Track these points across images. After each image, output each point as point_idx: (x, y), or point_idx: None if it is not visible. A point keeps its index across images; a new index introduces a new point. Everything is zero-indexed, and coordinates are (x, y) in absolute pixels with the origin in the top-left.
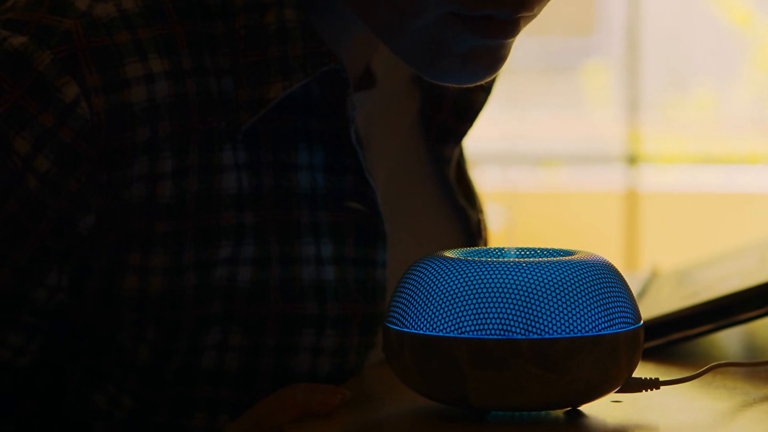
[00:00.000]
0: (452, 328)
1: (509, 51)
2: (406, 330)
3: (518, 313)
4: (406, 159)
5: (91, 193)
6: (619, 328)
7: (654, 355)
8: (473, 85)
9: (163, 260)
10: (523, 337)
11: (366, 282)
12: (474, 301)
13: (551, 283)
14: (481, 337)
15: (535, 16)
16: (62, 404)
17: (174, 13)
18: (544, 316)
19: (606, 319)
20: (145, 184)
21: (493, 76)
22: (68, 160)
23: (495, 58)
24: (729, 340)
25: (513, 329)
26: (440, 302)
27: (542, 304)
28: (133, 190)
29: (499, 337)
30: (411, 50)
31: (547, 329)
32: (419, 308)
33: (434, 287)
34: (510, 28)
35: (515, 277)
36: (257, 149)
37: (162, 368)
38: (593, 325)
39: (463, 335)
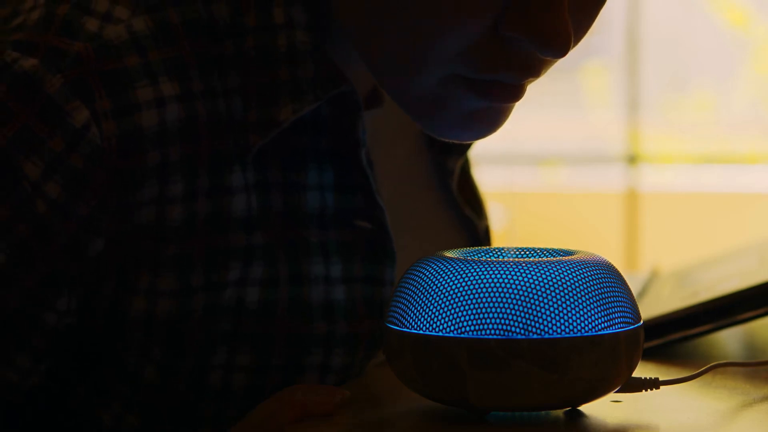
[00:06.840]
0: (452, 328)
1: (512, 110)
2: (406, 330)
3: (518, 313)
4: (410, 171)
5: (100, 216)
6: (619, 328)
7: (654, 355)
8: (473, 141)
9: (172, 283)
10: (524, 337)
11: (374, 300)
12: (474, 301)
13: (551, 283)
14: (481, 337)
15: (539, 77)
16: (67, 422)
17: (184, 33)
18: (544, 316)
19: (606, 319)
20: (155, 207)
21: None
22: (78, 185)
23: (498, 118)
24: (729, 340)
25: (513, 329)
26: (440, 302)
27: (542, 304)
28: (143, 214)
29: (499, 337)
30: (410, 103)
31: (547, 329)
32: (419, 308)
33: (434, 287)
34: (516, 91)
35: (515, 277)
36: (266, 170)
37: (168, 387)
38: (593, 325)
39: (463, 335)
